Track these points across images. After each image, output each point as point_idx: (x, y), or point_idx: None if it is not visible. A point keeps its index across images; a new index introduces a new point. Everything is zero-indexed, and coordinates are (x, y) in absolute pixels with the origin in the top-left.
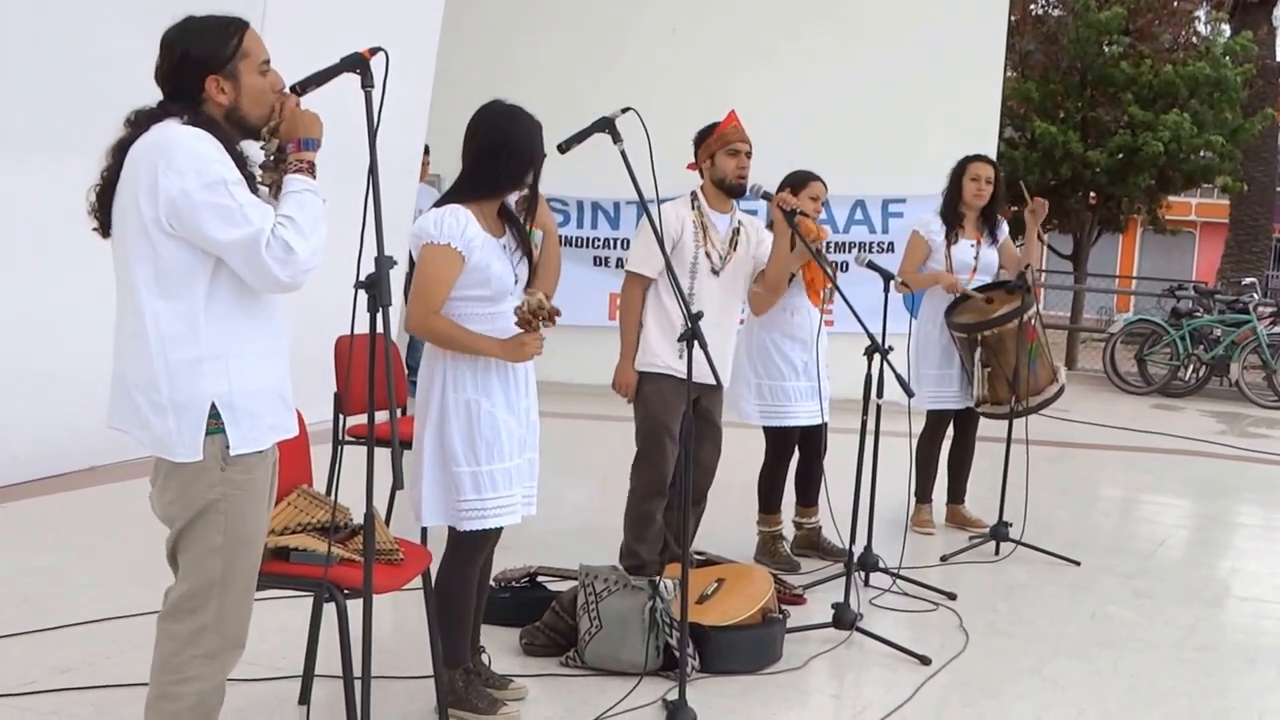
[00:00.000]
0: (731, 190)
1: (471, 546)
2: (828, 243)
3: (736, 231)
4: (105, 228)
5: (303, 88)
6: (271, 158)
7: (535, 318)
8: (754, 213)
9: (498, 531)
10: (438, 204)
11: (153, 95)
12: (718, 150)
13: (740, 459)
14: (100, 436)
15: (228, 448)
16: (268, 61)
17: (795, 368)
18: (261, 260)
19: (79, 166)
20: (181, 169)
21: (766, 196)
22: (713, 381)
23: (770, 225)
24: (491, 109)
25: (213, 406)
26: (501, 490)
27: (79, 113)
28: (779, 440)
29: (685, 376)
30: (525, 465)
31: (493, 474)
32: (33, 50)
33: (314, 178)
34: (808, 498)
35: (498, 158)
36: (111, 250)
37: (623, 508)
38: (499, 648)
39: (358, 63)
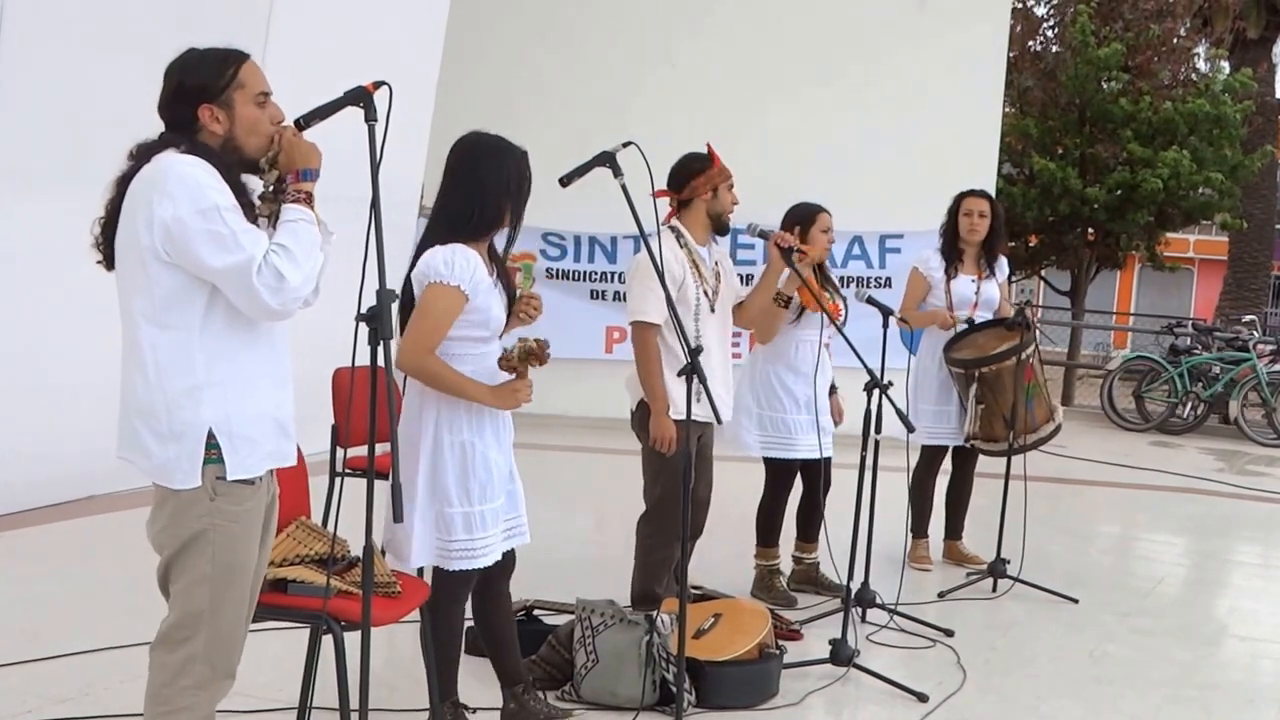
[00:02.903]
0: (725, 226)
1: (458, 585)
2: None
3: (717, 263)
4: (108, 260)
5: (306, 121)
6: (270, 188)
7: (524, 363)
8: (750, 247)
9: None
10: (422, 241)
11: (159, 128)
12: (720, 184)
13: (738, 493)
14: (97, 466)
15: (222, 476)
16: (266, 93)
17: (797, 401)
18: (253, 287)
19: (83, 198)
20: (175, 196)
21: (764, 235)
22: (716, 419)
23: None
24: (465, 143)
25: (210, 434)
26: (490, 529)
27: (85, 145)
28: (779, 473)
29: (706, 419)
30: (506, 499)
31: (483, 514)
32: (39, 83)
33: (312, 208)
34: (810, 533)
35: (471, 200)
36: (115, 283)
37: (618, 539)
38: (495, 680)
39: (361, 96)
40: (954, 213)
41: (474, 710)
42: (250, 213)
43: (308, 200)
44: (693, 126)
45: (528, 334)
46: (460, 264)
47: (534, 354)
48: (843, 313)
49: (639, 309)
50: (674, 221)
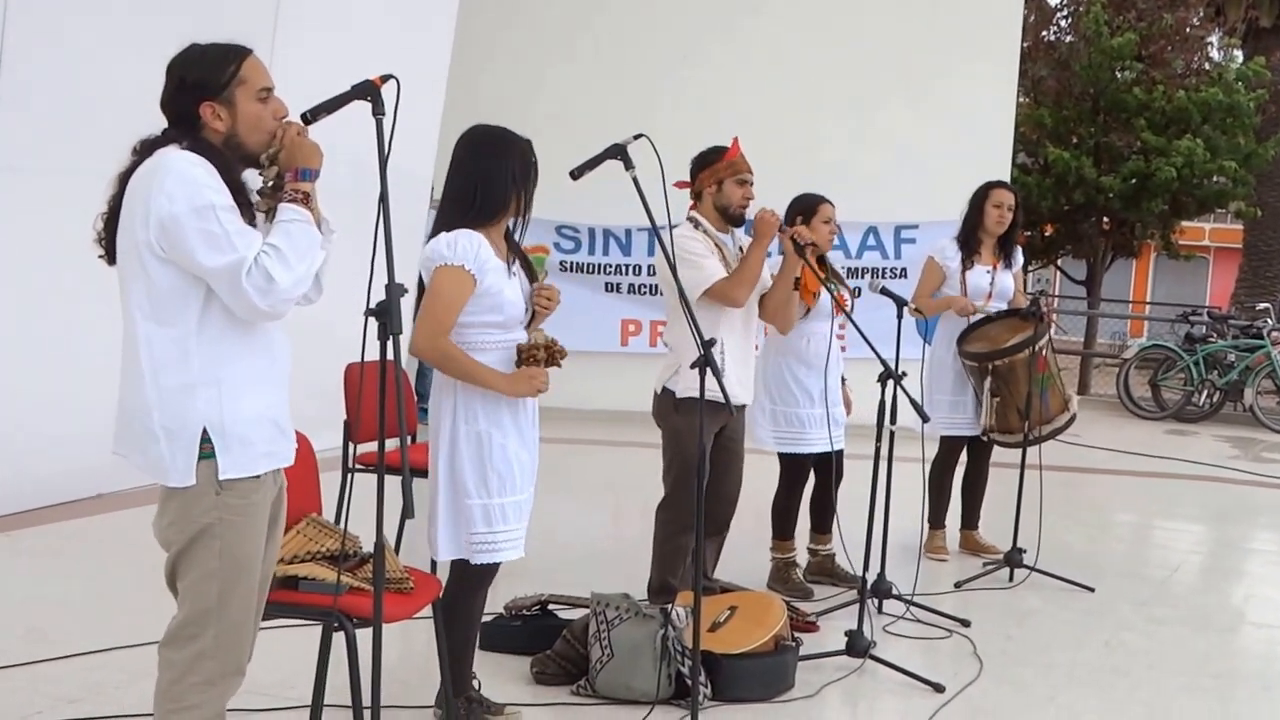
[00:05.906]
0: (736, 219)
1: (478, 578)
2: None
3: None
4: (110, 255)
5: (313, 115)
6: (269, 184)
7: (542, 355)
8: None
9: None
10: (432, 232)
11: (162, 123)
12: (727, 177)
13: (754, 485)
14: (106, 464)
15: (219, 473)
16: (269, 89)
17: (810, 395)
18: (242, 288)
19: (91, 193)
20: (172, 193)
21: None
22: (737, 404)
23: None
24: (469, 135)
25: (204, 431)
26: (512, 523)
27: (93, 139)
28: (794, 467)
29: (723, 400)
30: (528, 500)
31: (504, 507)
32: (48, 77)
33: (309, 208)
34: (823, 525)
35: (474, 186)
36: (116, 277)
37: (634, 533)
38: (510, 676)
39: (369, 90)
40: (979, 203)
41: (479, 684)
42: (248, 212)
43: (305, 200)
44: (703, 120)
45: (545, 327)
46: (463, 245)
47: (552, 352)
48: (848, 301)
49: (696, 281)
50: (693, 212)
